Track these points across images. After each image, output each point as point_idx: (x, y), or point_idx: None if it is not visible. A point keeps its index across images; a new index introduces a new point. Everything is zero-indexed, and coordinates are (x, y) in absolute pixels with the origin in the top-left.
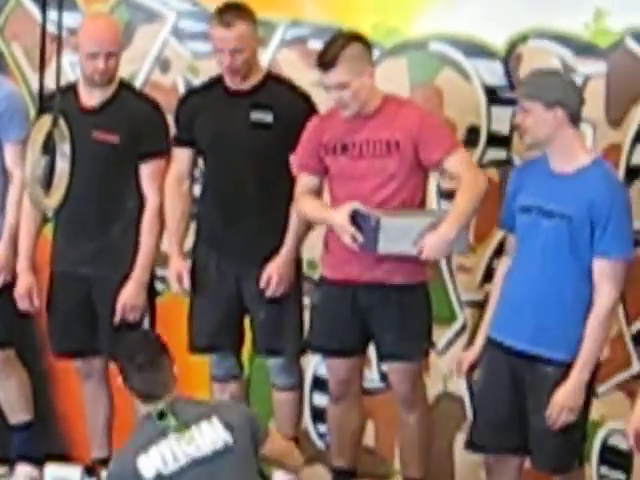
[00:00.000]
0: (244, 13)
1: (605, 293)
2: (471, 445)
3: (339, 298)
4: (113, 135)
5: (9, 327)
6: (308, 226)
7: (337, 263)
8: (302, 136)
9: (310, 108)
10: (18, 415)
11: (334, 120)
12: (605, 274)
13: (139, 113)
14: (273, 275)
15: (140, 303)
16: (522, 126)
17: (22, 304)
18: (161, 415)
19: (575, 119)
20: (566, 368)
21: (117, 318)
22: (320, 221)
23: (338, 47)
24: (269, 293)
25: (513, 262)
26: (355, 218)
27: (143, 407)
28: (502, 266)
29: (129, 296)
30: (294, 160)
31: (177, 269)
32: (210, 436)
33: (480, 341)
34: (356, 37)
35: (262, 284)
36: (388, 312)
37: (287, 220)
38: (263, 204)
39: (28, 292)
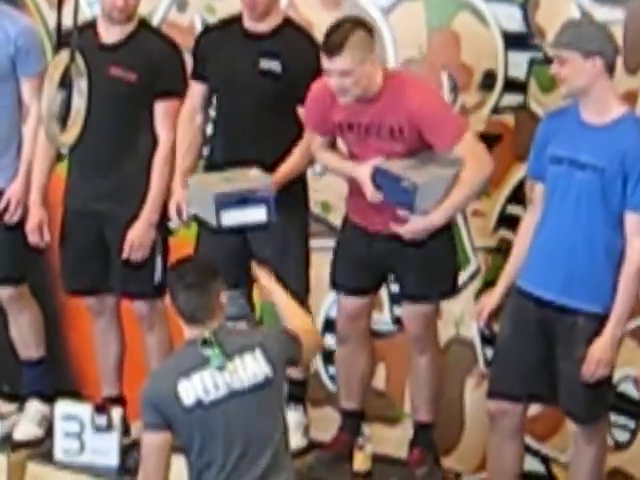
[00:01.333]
0: None
1: (637, 247)
2: (493, 393)
3: (359, 238)
4: (130, 73)
5: (23, 263)
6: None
7: (356, 209)
8: (309, 97)
9: (320, 64)
10: (30, 351)
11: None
12: (637, 228)
13: (157, 52)
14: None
15: (147, 241)
16: (559, 76)
17: (32, 238)
18: (205, 342)
19: (611, 69)
20: (596, 319)
21: (124, 255)
22: (342, 174)
23: (344, 33)
24: None
25: (543, 212)
26: (377, 175)
27: (187, 331)
28: (528, 216)
29: (137, 234)
30: (306, 121)
31: (177, 201)
32: (252, 369)
33: (501, 289)
34: (361, 22)
35: None
36: (409, 254)
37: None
38: (264, 150)
39: (39, 226)
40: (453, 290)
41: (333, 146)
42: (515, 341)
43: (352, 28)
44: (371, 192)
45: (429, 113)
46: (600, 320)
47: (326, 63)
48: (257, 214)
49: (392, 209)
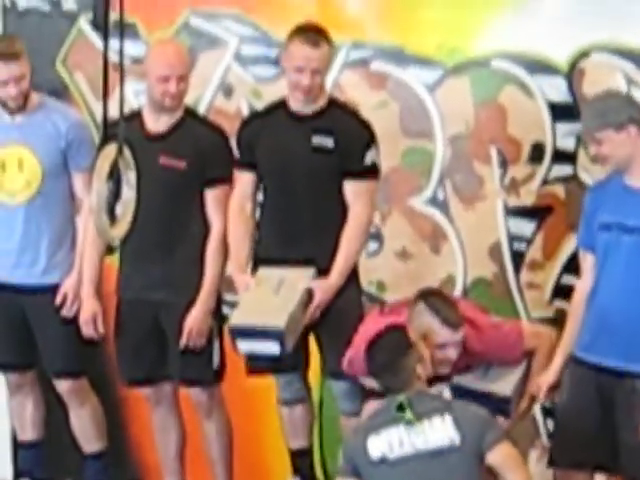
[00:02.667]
0: (326, 34)
1: None
2: (555, 462)
3: None
4: (180, 161)
5: (81, 356)
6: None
7: None
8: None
9: (370, 135)
10: (92, 444)
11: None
12: None
13: (205, 139)
14: None
15: (206, 328)
16: (599, 157)
17: (86, 330)
18: (400, 407)
19: None
20: None
21: (183, 343)
22: None
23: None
24: None
25: (596, 280)
26: None
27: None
28: (580, 286)
29: (195, 321)
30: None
31: (246, 283)
32: (439, 432)
33: (558, 363)
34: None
35: None
36: None
37: (337, 244)
38: (318, 228)
39: (92, 318)
40: None
41: None
42: (575, 410)
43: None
44: None
45: (499, 346)
46: None
47: (449, 333)
48: (271, 347)
49: None
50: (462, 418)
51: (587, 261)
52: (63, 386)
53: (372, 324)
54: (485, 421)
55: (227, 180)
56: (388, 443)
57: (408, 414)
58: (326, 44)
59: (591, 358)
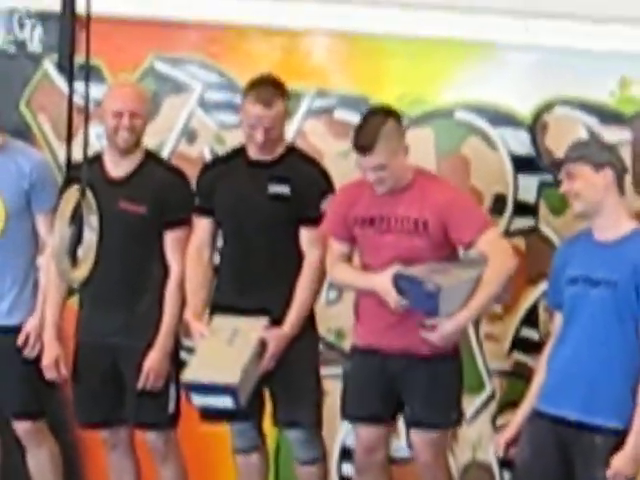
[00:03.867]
0: (281, 90)
1: None
2: None
3: (369, 366)
4: (140, 206)
5: (40, 398)
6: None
7: (368, 332)
8: (331, 204)
9: (327, 184)
10: None
11: (363, 192)
12: None
13: (165, 183)
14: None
15: (164, 370)
16: (571, 192)
17: (49, 374)
18: None
19: (621, 183)
20: (615, 434)
21: (140, 385)
22: (360, 287)
23: (374, 128)
24: None
25: (561, 334)
26: (398, 281)
27: None
28: (548, 346)
29: (153, 363)
30: (323, 227)
31: (200, 331)
32: None
33: (520, 418)
34: (390, 112)
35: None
36: (417, 380)
37: (292, 292)
38: (274, 276)
39: (55, 362)
40: (459, 418)
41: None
42: (534, 464)
43: (382, 121)
44: (394, 300)
45: (456, 207)
46: (619, 435)
47: (360, 160)
48: (225, 402)
49: (409, 323)
50: None
51: (555, 321)
52: (22, 427)
53: None
54: None
55: (186, 222)
56: None
57: None
58: (280, 101)
59: (551, 410)
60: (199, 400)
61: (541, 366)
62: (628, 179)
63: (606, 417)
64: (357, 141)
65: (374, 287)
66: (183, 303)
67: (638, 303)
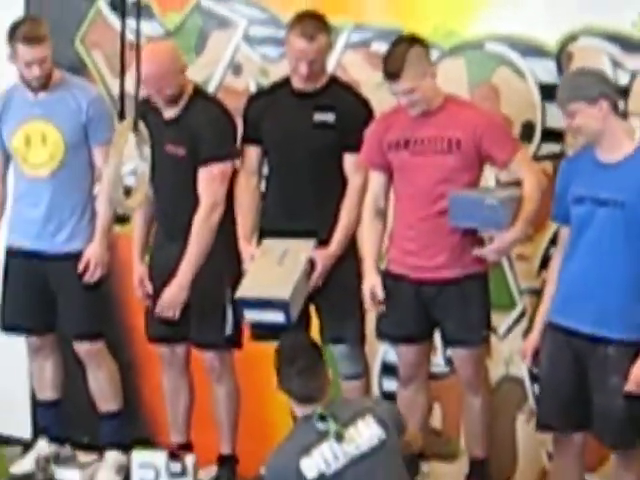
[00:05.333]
0: (323, 25)
1: None
2: (540, 426)
3: (402, 292)
4: (179, 147)
5: (100, 320)
6: None
7: (400, 257)
8: (367, 133)
9: (369, 112)
10: (108, 404)
11: (398, 117)
12: None
13: (202, 122)
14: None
15: (180, 301)
16: (572, 129)
17: (138, 292)
18: (321, 417)
19: (617, 107)
20: (628, 347)
21: (156, 312)
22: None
23: (401, 55)
24: None
25: (570, 250)
26: (453, 203)
27: (298, 409)
28: (556, 257)
29: (167, 293)
30: (361, 156)
31: (251, 254)
32: (366, 434)
33: (538, 327)
34: (415, 40)
35: None
36: (449, 302)
37: (337, 216)
38: (319, 201)
39: (140, 281)
40: (489, 333)
41: (387, 196)
42: (554, 375)
43: (407, 48)
44: (369, 305)
45: (492, 127)
46: (631, 345)
47: (391, 86)
48: (277, 317)
49: (439, 246)
50: (380, 413)
51: (562, 234)
52: (82, 348)
53: None
54: (396, 412)
55: (222, 158)
56: (323, 460)
57: (333, 426)
58: (323, 35)
59: (564, 323)
60: (251, 316)
61: (551, 278)
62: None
63: (617, 329)
64: (386, 69)
65: (365, 280)
66: (211, 235)
67: None
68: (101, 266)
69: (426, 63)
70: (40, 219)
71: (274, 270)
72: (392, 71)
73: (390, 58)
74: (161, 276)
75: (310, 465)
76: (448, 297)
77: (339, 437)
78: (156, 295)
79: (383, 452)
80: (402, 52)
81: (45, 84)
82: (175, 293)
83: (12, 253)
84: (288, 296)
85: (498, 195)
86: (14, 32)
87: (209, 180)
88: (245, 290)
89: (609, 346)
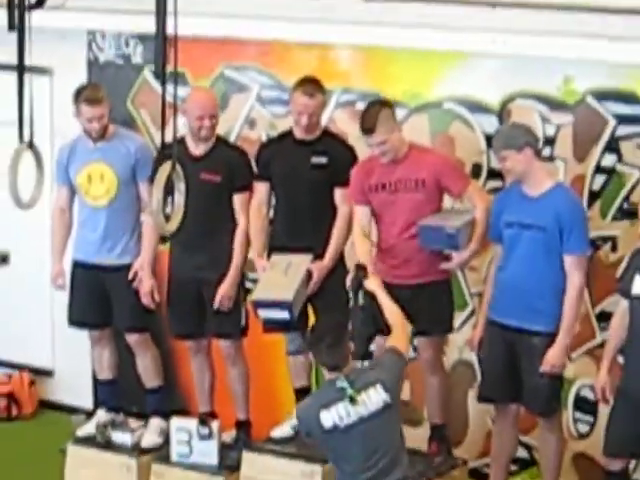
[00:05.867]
0: (320, 86)
1: (575, 279)
2: (481, 398)
3: (386, 292)
4: (216, 176)
5: (146, 317)
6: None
7: (385, 269)
8: (352, 176)
9: (354, 156)
10: (152, 382)
11: (374, 164)
12: (574, 265)
13: (233, 159)
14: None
15: (232, 296)
16: (504, 170)
17: (145, 300)
18: (342, 383)
19: (539, 153)
20: (547, 337)
21: (215, 306)
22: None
23: (374, 115)
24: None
25: (502, 263)
26: (421, 231)
27: (327, 374)
28: (492, 268)
29: (225, 289)
30: (348, 195)
31: (262, 266)
32: (375, 399)
33: (481, 323)
34: (384, 103)
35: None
36: (420, 302)
37: (330, 233)
38: (315, 224)
39: (150, 291)
40: (451, 327)
41: (370, 223)
42: (492, 360)
43: (379, 109)
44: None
45: (447, 166)
46: (551, 337)
47: (367, 139)
48: (283, 314)
49: (415, 261)
50: (387, 381)
51: (497, 249)
52: (132, 338)
53: None
54: (399, 370)
55: (249, 188)
56: (338, 416)
57: (349, 391)
58: (320, 94)
59: (499, 319)
60: (263, 314)
61: (488, 284)
62: (570, 152)
63: (539, 324)
64: (362, 126)
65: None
66: (248, 248)
67: (560, 241)
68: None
69: (393, 121)
70: (98, 239)
71: (281, 279)
72: (367, 127)
73: (365, 117)
74: (178, 280)
75: (327, 417)
76: (420, 298)
77: (352, 400)
78: (174, 299)
79: (386, 414)
80: (375, 112)
81: (102, 135)
82: (229, 290)
83: (77, 266)
84: (291, 298)
85: (456, 224)
86: (79, 95)
87: (243, 204)
88: (259, 294)
89: (533, 337)
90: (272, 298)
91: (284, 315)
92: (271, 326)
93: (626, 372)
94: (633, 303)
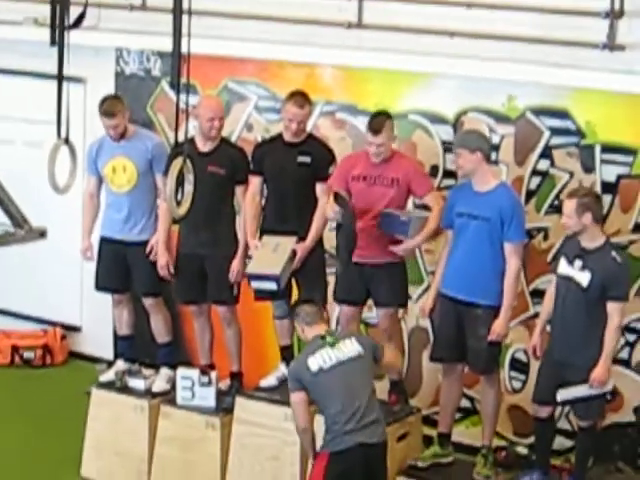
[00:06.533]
0: (308, 99)
1: (513, 263)
2: (433, 358)
3: (352, 271)
4: (221, 169)
5: (159, 284)
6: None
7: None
8: (338, 166)
9: (332, 156)
10: (163, 337)
11: (359, 160)
12: (512, 251)
13: (235, 156)
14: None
15: (242, 268)
16: (457, 165)
17: (162, 272)
18: (323, 337)
19: (488, 158)
20: (489, 309)
21: (232, 279)
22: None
23: (383, 120)
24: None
25: (452, 246)
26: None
27: (309, 330)
28: (444, 250)
29: (237, 265)
30: (329, 182)
31: (255, 245)
32: (350, 348)
33: (432, 295)
34: (389, 115)
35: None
36: (380, 278)
37: (312, 220)
38: (300, 212)
39: (166, 265)
40: (405, 301)
41: None
42: (442, 326)
43: (386, 118)
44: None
45: (418, 173)
46: (492, 309)
47: (370, 138)
48: (271, 285)
49: (376, 244)
50: (362, 339)
51: (448, 235)
52: (148, 302)
53: None
54: (373, 343)
55: (247, 180)
56: (322, 359)
57: (330, 339)
58: (308, 105)
59: (449, 293)
60: (255, 285)
61: (440, 263)
62: (511, 157)
63: (483, 298)
64: (371, 126)
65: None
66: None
67: (502, 231)
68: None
69: (392, 131)
70: (122, 220)
71: (270, 256)
72: (376, 128)
73: (375, 120)
74: (184, 255)
75: (313, 362)
76: (379, 275)
77: (333, 345)
78: (181, 272)
79: (359, 362)
80: (383, 119)
81: (121, 137)
82: (240, 264)
83: (104, 241)
84: (279, 272)
85: (410, 216)
86: (100, 106)
87: (244, 194)
88: (252, 268)
89: (477, 309)
90: (263, 272)
91: (272, 286)
92: (261, 295)
93: (551, 336)
94: (558, 281)
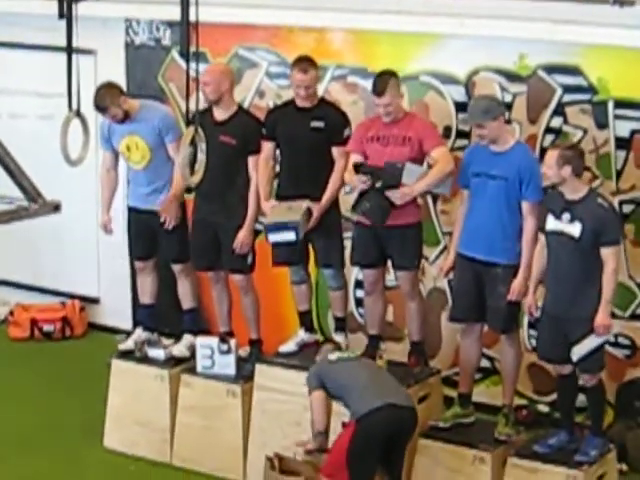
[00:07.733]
0: (313, 63)
1: (530, 222)
2: (452, 319)
3: (367, 234)
4: (232, 139)
5: (187, 251)
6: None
7: None
8: (354, 131)
9: (346, 120)
10: (189, 303)
11: (374, 123)
12: (530, 210)
13: (248, 127)
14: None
15: (249, 241)
16: (482, 136)
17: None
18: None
19: (508, 120)
20: (507, 268)
21: (237, 250)
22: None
23: (386, 80)
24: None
25: (469, 206)
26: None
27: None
28: (460, 210)
29: (243, 235)
30: (348, 147)
31: (269, 207)
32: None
33: (451, 255)
34: (394, 73)
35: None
36: (395, 241)
37: (326, 184)
38: (314, 177)
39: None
40: (419, 263)
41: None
42: (461, 286)
43: (390, 77)
44: (354, 181)
45: (428, 130)
46: (511, 268)
47: (375, 100)
48: (290, 236)
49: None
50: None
51: (464, 194)
52: (177, 268)
53: None
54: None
55: (259, 150)
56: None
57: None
58: (313, 70)
59: (468, 253)
60: (273, 238)
61: (458, 224)
62: (524, 116)
63: (501, 257)
64: (375, 88)
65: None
66: (259, 199)
67: (520, 190)
68: (174, 218)
69: (398, 89)
70: (145, 192)
71: (286, 211)
72: (380, 90)
73: (378, 82)
74: (198, 223)
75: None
76: (395, 238)
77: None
78: (195, 238)
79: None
80: (386, 79)
81: (122, 120)
82: (247, 235)
83: (131, 211)
84: (299, 219)
85: (410, 166)
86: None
87: (256, 164)
88: (269, 219)
89: (497, 268)
90: (281, 220)
91: (291, 236)
92: (278, 260)
93: (547, 293)
94: (548, 238)
